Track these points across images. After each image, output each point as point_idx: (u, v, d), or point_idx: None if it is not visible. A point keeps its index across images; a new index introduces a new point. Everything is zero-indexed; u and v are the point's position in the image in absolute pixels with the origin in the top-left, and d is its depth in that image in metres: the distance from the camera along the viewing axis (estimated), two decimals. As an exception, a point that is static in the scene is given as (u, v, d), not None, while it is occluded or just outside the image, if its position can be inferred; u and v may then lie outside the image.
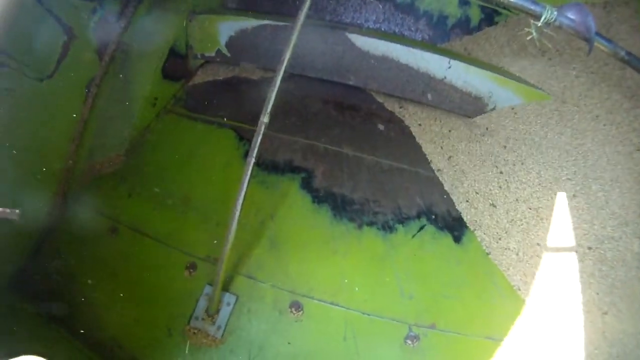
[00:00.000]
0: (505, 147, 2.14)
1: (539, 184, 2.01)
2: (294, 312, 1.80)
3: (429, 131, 2.31)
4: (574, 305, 1.78)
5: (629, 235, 1.79)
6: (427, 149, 2.24)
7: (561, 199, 1.95)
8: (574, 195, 1.93)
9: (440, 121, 2.34)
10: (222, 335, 1.77)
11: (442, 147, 2.24)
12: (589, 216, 1.89)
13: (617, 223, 1.82)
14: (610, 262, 1.79)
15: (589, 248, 1.84)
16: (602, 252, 1.82)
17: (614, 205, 1.85)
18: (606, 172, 1.92)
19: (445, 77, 2.21)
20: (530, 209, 1.98)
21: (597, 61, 2.06)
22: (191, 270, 1.91)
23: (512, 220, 1.99)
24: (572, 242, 1.86)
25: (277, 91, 1.64)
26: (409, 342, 1.74)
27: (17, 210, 1.28)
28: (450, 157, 2.19)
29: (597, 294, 1.77)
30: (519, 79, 2.15)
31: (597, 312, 1.75)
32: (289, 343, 1.77)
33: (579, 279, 1.81)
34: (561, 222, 1.91)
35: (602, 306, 1.75)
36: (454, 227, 2.00)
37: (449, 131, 2.29)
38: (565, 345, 1.73)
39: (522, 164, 2.07)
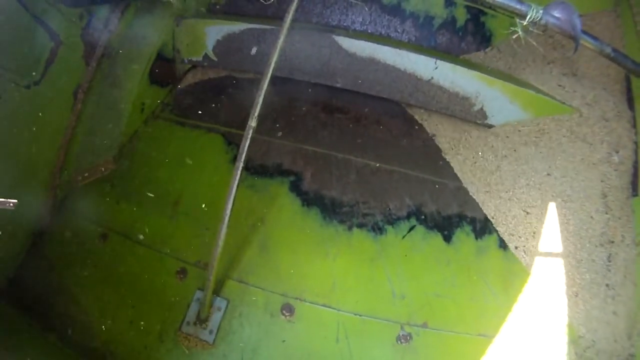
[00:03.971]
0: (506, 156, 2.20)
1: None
2: (286, 315, 1.80)
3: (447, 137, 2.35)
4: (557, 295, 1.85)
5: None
6: (445, 152, 2.28)
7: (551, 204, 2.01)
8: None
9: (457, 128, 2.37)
10: (214, 339, 1.76)
11: (458, 153, 2.27)
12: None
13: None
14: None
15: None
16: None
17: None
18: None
19: (432, 78, 2.22)
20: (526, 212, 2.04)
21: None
22: (181, 275, 1.90)
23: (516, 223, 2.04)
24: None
25: (265, 95, 1.65)
26: (401, 341, 1.75)
27: (13, 201, 1.31)
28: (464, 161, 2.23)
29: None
30: (506, 78, 2.17)
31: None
32: (283, 342, 1.77)
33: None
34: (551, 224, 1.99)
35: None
36: (444, 226, 2.01)
37: (465, 138, 2.33)
38: (553, 337, 1.77)
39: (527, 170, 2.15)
